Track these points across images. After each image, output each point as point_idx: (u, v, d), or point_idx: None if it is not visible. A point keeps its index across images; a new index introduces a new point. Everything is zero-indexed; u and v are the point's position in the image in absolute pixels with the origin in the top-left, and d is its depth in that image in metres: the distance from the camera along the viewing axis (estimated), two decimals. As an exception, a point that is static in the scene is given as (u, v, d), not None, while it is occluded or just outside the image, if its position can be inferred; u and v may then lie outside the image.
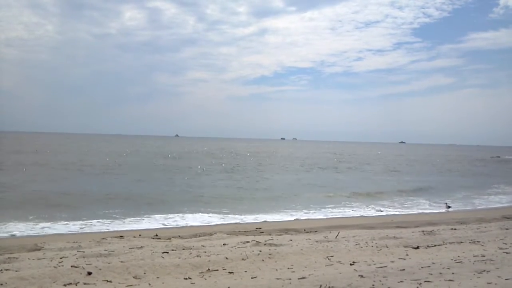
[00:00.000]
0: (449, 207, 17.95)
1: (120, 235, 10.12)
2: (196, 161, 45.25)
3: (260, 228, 11.45)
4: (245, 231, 10.88)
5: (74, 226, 12.50)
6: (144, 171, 31.81)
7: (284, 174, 33.74)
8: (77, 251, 7.83)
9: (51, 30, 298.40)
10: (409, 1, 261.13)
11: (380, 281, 5.08)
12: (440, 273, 5.39)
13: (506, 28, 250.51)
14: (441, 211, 17.39)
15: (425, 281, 5.01)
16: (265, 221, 13.82)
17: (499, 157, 78.80)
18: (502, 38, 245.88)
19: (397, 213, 16.87)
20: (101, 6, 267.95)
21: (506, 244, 7.75)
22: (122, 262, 6.47)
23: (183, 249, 7.86)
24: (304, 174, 34.43)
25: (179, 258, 6.85)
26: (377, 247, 7.68)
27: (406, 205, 19.23)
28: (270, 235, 10.04)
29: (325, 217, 15.18)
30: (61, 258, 7.05)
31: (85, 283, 5.41)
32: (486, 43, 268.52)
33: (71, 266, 6.09)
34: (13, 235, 11.15)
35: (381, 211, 17.18)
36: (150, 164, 39.34)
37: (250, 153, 69.61)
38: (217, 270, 6.04)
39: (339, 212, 16.85)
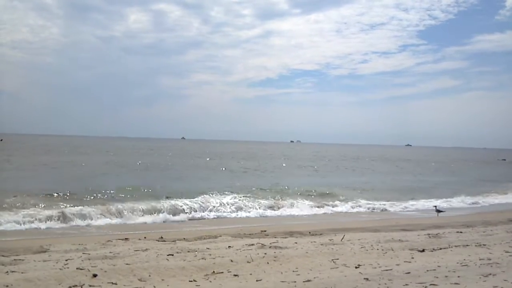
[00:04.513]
0: (438, 211, 16.00)
1: (125, 238, 10.15)
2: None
3: (265, 231, 11.43)
4: (250, 234, 10.86)
5: (79, 228, 12.56)
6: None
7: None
8: (83, 253, 7.86)
9: (56, 33, 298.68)
10: (414, 3, 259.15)
11: (386, 284, 5.07)
12: (446, 276, 5.37)
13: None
14: (443, 215, 16.06)
15: (430, 285, 5.00)
16: (270, 224, 13.80)
17: (505, 160, 78.44)
18: (508, 40, 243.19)
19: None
20: (106, 9, 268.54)
21: (512, 247, 7.70)
22: (127, 264, 6.49)
23: (188, 251, 7.87)
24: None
25: (184, 260, 6.87)
26: (382, 250, 7.66)
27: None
28: (275, 237, 10.02)
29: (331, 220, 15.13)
30: (66, 260, 7.08)
31: (90, 285, 5.44)
32: (492, 45, 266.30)
33: (77, 268, 6.13)
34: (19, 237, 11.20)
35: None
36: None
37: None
38: (222, 272, 6.05)
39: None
